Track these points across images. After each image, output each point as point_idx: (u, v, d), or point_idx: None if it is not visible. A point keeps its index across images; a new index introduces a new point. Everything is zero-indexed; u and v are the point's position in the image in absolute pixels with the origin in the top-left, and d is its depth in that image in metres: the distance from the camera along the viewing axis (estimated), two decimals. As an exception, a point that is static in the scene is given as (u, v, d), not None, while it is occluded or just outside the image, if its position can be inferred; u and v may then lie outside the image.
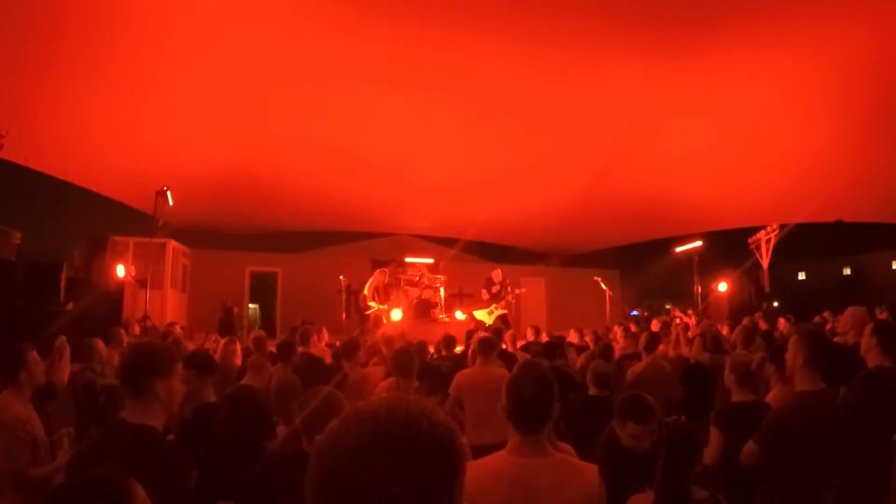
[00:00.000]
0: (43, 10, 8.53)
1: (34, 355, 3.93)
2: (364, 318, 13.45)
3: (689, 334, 7.99)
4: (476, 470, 2.19)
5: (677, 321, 10.62)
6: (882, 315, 8.90)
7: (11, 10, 8.35)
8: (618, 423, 3.53)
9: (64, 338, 5.28)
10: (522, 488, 2.23)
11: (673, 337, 7.97)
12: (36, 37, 8.88)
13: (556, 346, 7.25)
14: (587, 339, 9.72)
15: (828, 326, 9.93)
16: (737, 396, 4.15)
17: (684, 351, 7.28)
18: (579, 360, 7.53)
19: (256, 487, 4.25)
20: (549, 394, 2.38)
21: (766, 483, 3.53)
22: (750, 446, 3.51)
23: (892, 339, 3.94)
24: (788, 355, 3.71)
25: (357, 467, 0.90)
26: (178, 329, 9.07)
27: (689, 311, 10.21)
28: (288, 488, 2.60)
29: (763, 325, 9.89)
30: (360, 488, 0.89)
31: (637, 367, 6.40)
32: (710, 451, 3.78)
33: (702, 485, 3.00)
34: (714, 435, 3.88)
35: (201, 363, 4.25)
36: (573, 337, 9.99)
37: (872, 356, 3.98)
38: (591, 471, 2.34)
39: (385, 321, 12.93)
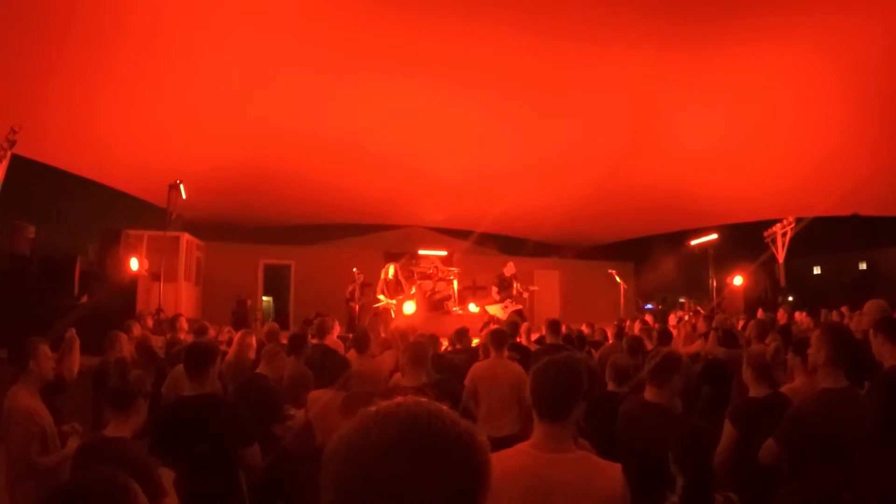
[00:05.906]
0: (53, 6, 8.53)
1: (45, 349, 3.95)
2: (369, 311, 13.46)
3: (699, 329, 7.88)
4: (496, 462, 2.13)
5: (686, 318, 10.49)
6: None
7: (21, 7, 8.35)
8: None
9: (73, 331, 5.23)
10: (543, 485, 2.16)
11: (680, 335, 7.86)
12: (46, 33, 8.88)
13: (573, 339, 7.12)
14: (603, 332, 9.57)
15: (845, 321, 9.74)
16: (754, 391, 4.05)
17: (695, 347, 7.17)
18: (597, 354, 7.36)
19: (270, 481, 4.24)
20: (572, 383, 2.31)
21: (784, 482, 3.45)
22: (770, 444, 3.40)
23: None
24: (811, 351, 3.59)
25: (386, 468, 0.88)
26: (182, 321, 9.00)
27: (697, 308, 9.97)
28: (302, 484, 2.60)
29: (782, 319, 9.76)
30: (389, 489, 0.88)
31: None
32: (720, 447, 3.67)
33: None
34: (727, 430, 3.77)
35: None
36: (584, 330, 9.85)
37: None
38: (614, 470, 2.25)
39: (392, 315, 12.88)
